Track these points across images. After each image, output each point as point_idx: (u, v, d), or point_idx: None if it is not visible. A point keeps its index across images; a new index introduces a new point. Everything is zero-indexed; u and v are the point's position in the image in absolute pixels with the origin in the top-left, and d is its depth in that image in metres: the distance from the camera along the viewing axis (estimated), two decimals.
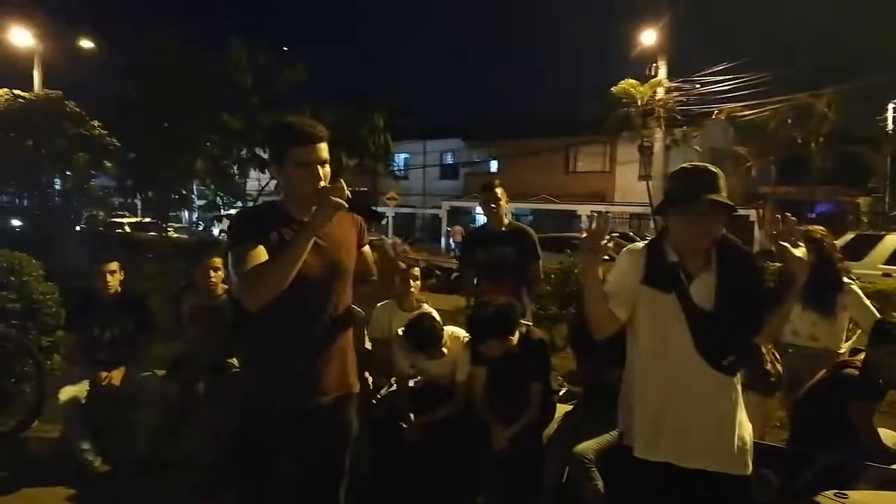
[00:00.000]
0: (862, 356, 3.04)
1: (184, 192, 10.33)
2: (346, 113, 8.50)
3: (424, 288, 6.63)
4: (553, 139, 25.07)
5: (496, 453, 3.24)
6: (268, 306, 2.00)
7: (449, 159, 33.42)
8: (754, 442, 2.23)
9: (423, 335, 3.53)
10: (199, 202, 12.06)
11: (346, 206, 2.02)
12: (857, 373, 2.94)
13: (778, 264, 2.97)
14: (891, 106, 23.40)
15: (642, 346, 2.18)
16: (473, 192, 21.81)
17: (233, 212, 10.99)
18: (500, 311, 3.38)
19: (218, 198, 10.11)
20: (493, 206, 4.55)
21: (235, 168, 8.89)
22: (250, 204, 8.57)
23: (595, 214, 2.09)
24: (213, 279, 4.25)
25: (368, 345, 4.06)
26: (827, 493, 2.21)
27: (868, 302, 3.80)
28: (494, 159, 30.43)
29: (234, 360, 4.32)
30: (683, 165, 2.16)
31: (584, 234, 2.08)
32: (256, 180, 8.74)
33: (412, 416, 3.52)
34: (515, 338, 3.42)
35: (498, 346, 3.35)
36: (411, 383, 3.81)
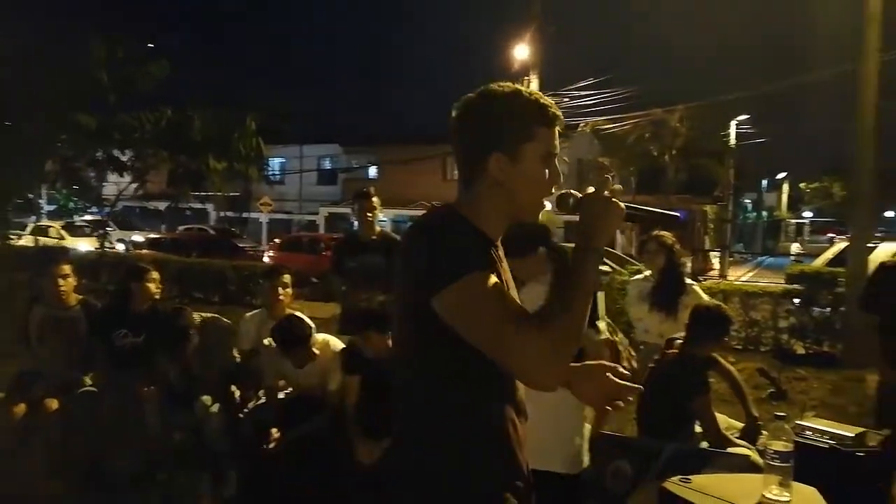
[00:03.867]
0: (678, 342, 3.28)
1: (30, 196, 9.40)
2: (214, 114, 8.13)
3: (300, 296, 6.48)
4: (430, 147, 25.36)
5: (363, 468, 3.19)
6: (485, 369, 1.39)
7: (327, 165, 32.90)
8: (612, 435, 2.37)
9: (290, 333, 3.43)
10: (48, 207, 11.06)
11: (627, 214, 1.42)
12: (680, 368, 3.15)
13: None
14: (733, 123, 25.98)
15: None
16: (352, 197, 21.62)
17: (89, 217, 10.18)
18: (379, 306, 3.37)
19: (70, 202, 9.31)
20: (368, 214, 4.48)
21: (90, 171, 8.23)
22: (107, 210, 7.94)
23: None
24: (62, 288, 3.92)
25: (237, 355, 3.93)
26: (673, 479, 2.38)
27: (708, 299, 4.21)
28: (373, 165, 30.35)
29: (88, 378, 4.00)
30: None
31: None
32: (115, 184, 8.13)
33: (275, 430, 3.38)
34: (390, 341, 3.41)
35: (377, 340, 3.29)
36: (281, 395, 3.69)
